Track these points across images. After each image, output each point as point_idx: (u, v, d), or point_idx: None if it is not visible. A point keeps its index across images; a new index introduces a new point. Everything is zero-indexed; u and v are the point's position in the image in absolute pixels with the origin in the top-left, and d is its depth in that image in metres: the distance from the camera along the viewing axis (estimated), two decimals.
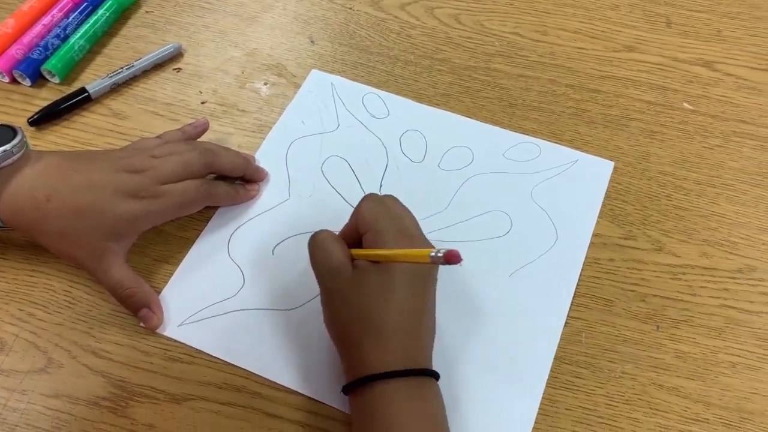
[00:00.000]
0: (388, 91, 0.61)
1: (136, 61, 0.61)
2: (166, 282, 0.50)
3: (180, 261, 0.51)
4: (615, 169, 0.56)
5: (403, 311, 0.41)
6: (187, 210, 0.51)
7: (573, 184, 0.55)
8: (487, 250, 0.52)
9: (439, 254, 0.35)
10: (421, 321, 0.42)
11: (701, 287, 0.51)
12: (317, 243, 0.44)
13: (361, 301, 0.41)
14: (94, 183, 0.47)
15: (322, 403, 0.45)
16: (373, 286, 0.41)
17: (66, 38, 0.62)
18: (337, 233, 0.45)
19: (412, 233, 0.44)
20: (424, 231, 0.52)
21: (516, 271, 0.51)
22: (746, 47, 0.64)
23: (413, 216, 0.46)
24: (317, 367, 0.46)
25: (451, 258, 0.35)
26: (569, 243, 0.52)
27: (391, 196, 0.46)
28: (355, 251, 0.43)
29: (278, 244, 0.52)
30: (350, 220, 0.46)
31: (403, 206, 0.46)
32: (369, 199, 0.45)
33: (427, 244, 0.44)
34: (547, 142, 0.58)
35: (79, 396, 0.46)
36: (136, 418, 0.45)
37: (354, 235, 0.45)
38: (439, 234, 0.53)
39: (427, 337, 0.43)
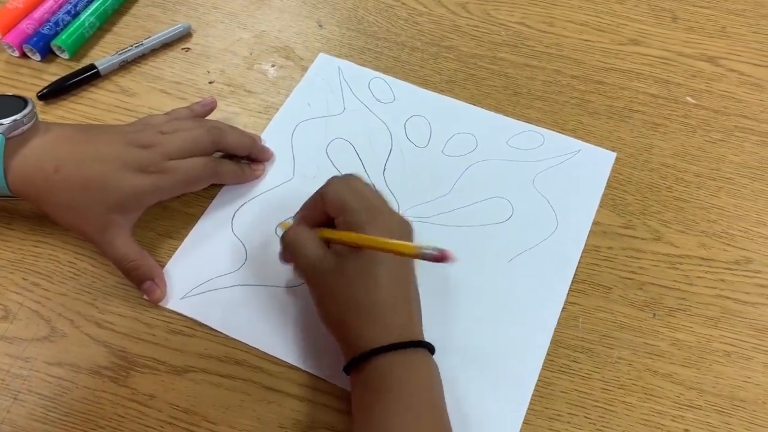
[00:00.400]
0: (395, 77, 0.61)
1: (145, 39, 0.62)
2: (170, 256, 0.51)
3: (184, 236, 0.52)
4: (617, 159, 0.57)
5: (389, 290, 0.42)
6: (193, 187, 0.52)
7: (575, 173, 0.56)
8: (487, 236, 0.53)
9: (427, 251, 0.35)
10: (408, 294, 0.43)
11: (698, 277, 0.51)
12: (291, 242, 0.45)
13: (348, 288, 0.42)
14: (102, 156, 0.48)
15: (321, 378, 0.46)
16: (356, 271, 0.42)
17: (77, 15, 0.63)
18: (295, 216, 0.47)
19: (379, 209, 0.44)
20: (426, 215, 0.53)
21: (515, 257, 0.51)
22: (750, 44, 0.65)
23: (381, 193, 0.46)
24: (317, 343, 0.47)
25: (443, 258, 0.34)
26: (569, 230, 0.53)
27: (354, 176, 0.46)
28: (329, 233, 0.44)
29: (281, 222, 0.52)
30: (311, 202, 0.46)
31: (370, 185, 0.46)
32: (335, 181, 0.45)
33: (402, 222, 0.45)
34: (550, 131, 0.58)
35: (81, 365, 0.46)
36: (136, 387, 0.45)
37: (320, 218, 0.45)
38: (440, 218, 0.53)
39: (415, 309, 0.44)
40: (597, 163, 0.57)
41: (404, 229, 0.44)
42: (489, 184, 0.55)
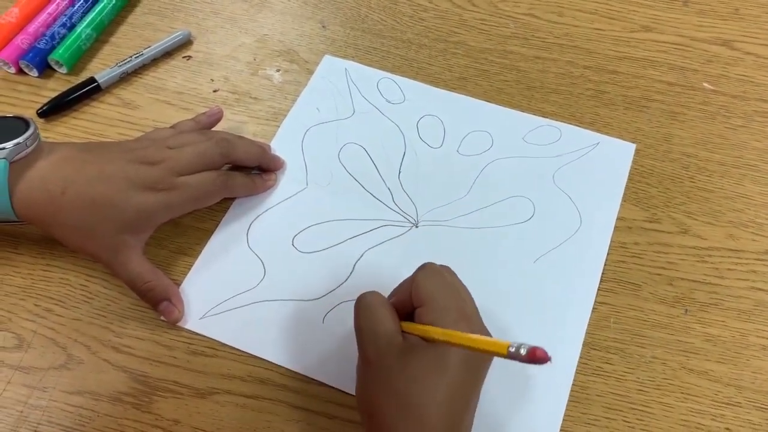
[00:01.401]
0: (403, 76, 0.60)
1: (145, 49, 0.60)
2: (185, 274, 0.49)
3: (198, 253, 0.50)
4: (637, 151, 0.55)
5: (448, 402, 0.37)
6: (205, 202, 0.50)
7: (595, 167, 0.54)
8: (510, 237, 0.51)
9: (522, 351, 0.29)
10: (464, 415, 0.38)
11: (728, 269, 0.50)
12: (365, 305, 0.40)
13: (406, 381, 0.37)
14: (110, 175, 0.46)
15: (349, 393, 0.45)
16: (423, 365, 0.37)
17: (72, 27, 0.61)
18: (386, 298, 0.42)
19: (470, 313, 0.40)
20: (445, 218, 0.52)
21: (541, 257, 0.50)
22: (765, 25, 0.63)
23: (470, 293, 0.42)
24: (341, 357, 0.46)
25: (537, 357, 0.29)
26: (593, 227, 0.51)
27: (448, 268, 0.43)
28: (406, 325, 0.39)
29: (298, 233, 0.51)
30: (401, 287, 0.42)
31: (460, 281, 0.42)
32: (427, 269, 0.41)
33: (484, 328, 0.40)
34: (567, 125, 0.57)
35: (101, 392, 0.45)
36: (160, 413, 0.44)
37: (405, 307, 0.41)
38: (460, 221, 0.52)
39: (466, 429, 0.39)
40: (617, 155, 0.55)
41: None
42: (508, 182, 0.54)
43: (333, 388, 0.45)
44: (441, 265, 0.43)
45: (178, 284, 0.49)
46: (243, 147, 0.52)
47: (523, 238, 0.51)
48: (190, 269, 0.49)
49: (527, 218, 0.52)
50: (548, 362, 0.29)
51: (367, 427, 0.39)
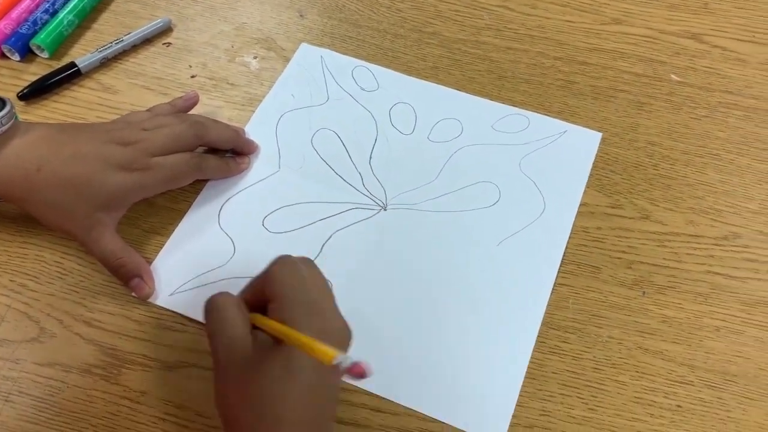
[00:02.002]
0: (378, 65, 0.61)
1: (125, 35, 0.61)
2: (158, 253, 0.50)
3: (171, 232, 0.51)
4: (603, 139, 0.57)
5: (305, 401, 0.36)
6: (177, 183, 0.52)
7: (561, 154, 0.56)
8: (475, 221, 0.52)
9: (346, 363, 0.31)
10: (324, 409, 0.38)
11: (687, 254, 0.51)
12: (214, 308, 0.39)
13: (261, 386, 0.36)
14: (85, 154, 0.47)
15: None
16: (274, 370, 0.36)
17: (55, 13, 0.62)
18: (240, 293, 0.41)
19: (325, 307, 0.39)
20: (413, 202, 0.53)
21: (504, 240, 0.51)
22: (733, 19, 0.64)
23: (328, 287, 0.41)
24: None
25: (356, 373, 0.30)
26: (557, 212, 0.53)
27: (307, 260, 0.42)
28: (258, 318, 0.39)
29: (268, 215, 0.52)
30: (256, 280, 0.41)
31: (320, 274, 0.41)
32: (281, 262, 0.40)
33: (339, 324, 0.39)
34: (535, 113, 0.58)
35: (71, 364, 0.46)
36: (128, 385, 0.45)
37: (260, 301, 0.40)
38: (427, 204, 0.53)
39: (328, 424, 0.39)
40: (583, 144, 0.57)
41: (342, 335, 0.39)
42: (475, 168, 0.55)
43: None
44: (300, 257, 0.41)
45: (151, 262, 0.50)
46: (217, 130, 0.53)
47: (488, 222, 0.52)
48: (162, 248, 0.51)
49: (493, 203, 0.53)
50: (367, 377, 0.30)
51: None
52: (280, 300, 0.38)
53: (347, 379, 0.32)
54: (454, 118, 0.58)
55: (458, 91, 0.60)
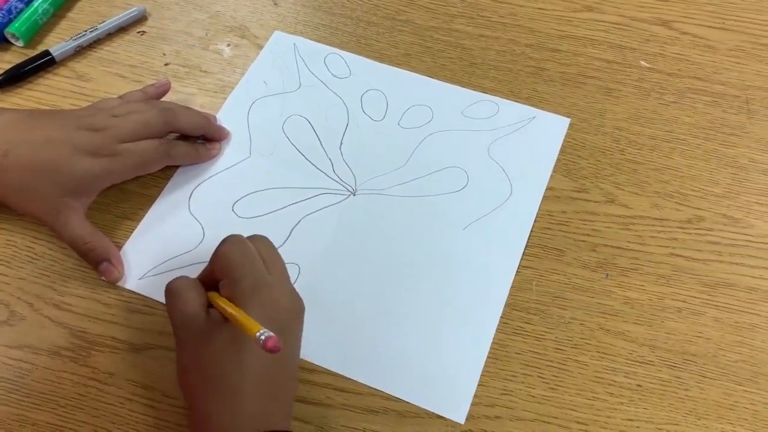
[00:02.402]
0: (351, 52, 0.62)
1: (100, 24, 0.62)
2: (129, 238, 0.51)
3: (142, 218, 0.52)
4: (571, 125, 0.57)
5: (258, 370, 0.38)
6: (146, 169, 0.52)
7: (529, 140, 0.56)
8: (443, 205, 0.53)
9: (262, 337, 0.34)
10: (279, 378, 0.39)
11: (651, 237, 0.52)
12: (172, 290, 0.41)
13: (213, 358, 0.38)
14: (54, 140, 0.48)
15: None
16: (224, 341, 0.38)
17: (30, 1, 0.62)
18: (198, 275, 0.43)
19: (271, 281, 0.40)
20: (382, 187, 0.54)
21: (470, 224, 0.52)
22: (703, 6, 0.65)
23: (281, 260, 0.43)
24: None
25: (267, 347, 0.33)
26: (523, 196, 0.53)
27: (259, 237, 0.43)
28: (212, 296, 0.41)
29: (238, 200, 0.53)
30: (210, 261, 0.43)
31: (271, 248, 0.43)
32: (230, 241, 0.42)
33: (290, 294, 0.41)
34: (505, 100, 0.59)
35: (41, 347, 0.47)
36: (97, 366, 0.46)
37: (213, 280, 0.42)
38: (397, 189, 0.54)
39: (286, 394, 0.40)
40: (551, 129, 0.57)
41: (293, 306, 0.41)
42: (445, 154, 0.56)
43: None
44: (252, 235, 0.43)
45: (121, 247, 0.51)
46: (186, 116, 0.53)
47: (455, 206, 0.53)
48: (132, 233, 0.51)
49: (461, 188, 0.54)
50: (278, 352, 0.33)
51: (189, 405, 0.40)
52: (228, 277, 0.40)
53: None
54: (424, 105, 0.59)
55: (429, 78, 0.60)
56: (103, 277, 0.49)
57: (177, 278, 0.42)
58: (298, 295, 0.42)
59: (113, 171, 0.50)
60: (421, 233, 0.52)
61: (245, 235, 0.45)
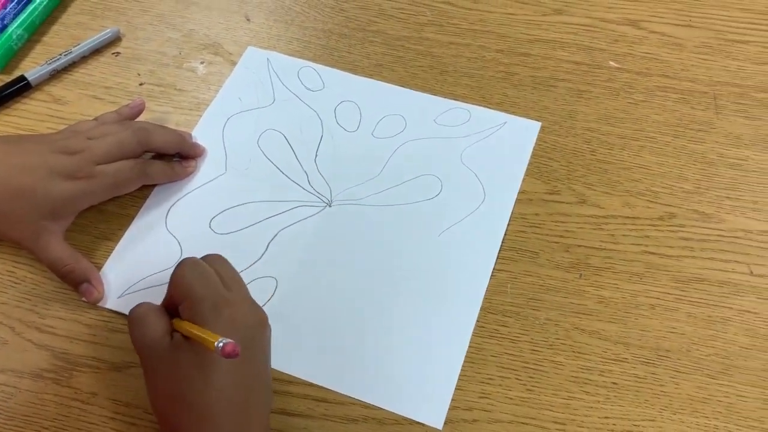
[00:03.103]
0: (324, 64, 0.62)
1: (74, 47, 0.62)
2: (108, 258, 0.52)
3: (120, 238, 0.53)
4: (542, 128, 0.58)
5: (227, 388, 0.38)
6: (123, 189, 0.53)
7: (501, 145, 0.57)
8: (417, 213, 0.54)
9: (220, 345, 0.34)
10: (251, 393, 0.40)
11: (623, 235, 0.53)
12: (135, 317, 0.42)
13: (181, 381, 0.38)
14: (30, 164, 0.49)
15: None
16: (190, 364, 0.38)
17: (4, 28, 0.63)
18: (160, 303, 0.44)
19: (232, 299, 0.41)
20: (358, 197, 0.54)
21: (445, 231, 0.53)
22: (670, 4, 0.66)
23: (238, 277, 0.43)
24: None
25: (225, 353, 0.34)
26: (496, 201, 0.54)
27: (214, 257, 0.44)
28: (177, 322, 0.41)
29: (215, 216, 0.54)
30: (168, 287, 0.43)
31: (227, 266, 0.44)
32: (182, 264, 0.42)
33: (254, 310, 0.42)
34: (476, 106, 0.59)
35: (23, 370, 0.47)
36: (79, 387, 0.47)
37: (175, 304, 0.42)
38: (371, 199, 0.54)
39: (260, 408, 0.40)
40: (522, 133, 0.58)
41: (255, 318, 0.41)
42: (418, 162, 0.57)
43: None
44: (209, 255, 0.44)
45: (100, 267, 0.51)
46: (161, 135, 0.54)
47: (430, 213, 0.54)
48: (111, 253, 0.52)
49: (434, 195, 0.55)
50: (237, 356, 0.34)
51: (162, 430, 0.41)
52: (187, 300, 0.40)
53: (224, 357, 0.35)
54: (397, 114, 0.59)
55: (402, 88, 0.61)
56: (83, 298, 0.49)
57: (139, 304, 0.43)
58: (260, 307, 0.42)
59: (90, 193, 0.50)
60: (396, 241, 0.52)
61: (222, 252, 0.45)
